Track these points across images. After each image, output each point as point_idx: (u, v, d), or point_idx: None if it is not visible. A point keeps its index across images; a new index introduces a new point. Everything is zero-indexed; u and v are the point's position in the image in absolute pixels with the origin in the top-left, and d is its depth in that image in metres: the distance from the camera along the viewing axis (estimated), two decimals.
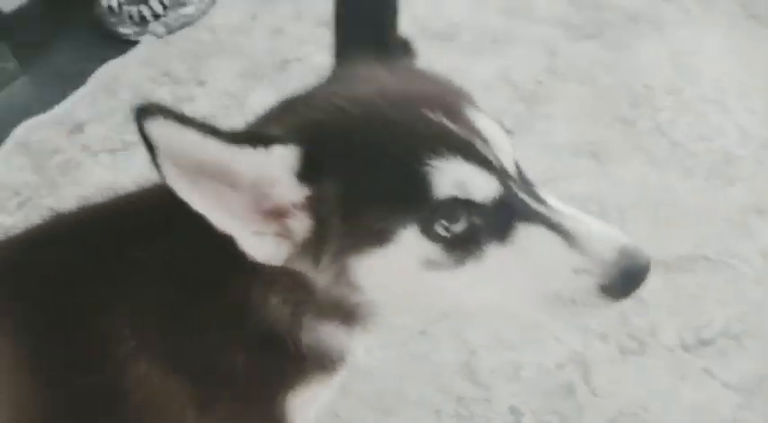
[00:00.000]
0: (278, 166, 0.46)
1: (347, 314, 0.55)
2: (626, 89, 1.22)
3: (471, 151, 0.47)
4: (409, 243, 0.47)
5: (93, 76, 1.41)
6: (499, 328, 0.93)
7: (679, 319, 0.92)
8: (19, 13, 1.46)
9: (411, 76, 0.55)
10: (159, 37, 1.47)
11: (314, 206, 0.48)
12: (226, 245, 0.47)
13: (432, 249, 0.47)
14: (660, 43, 1.31)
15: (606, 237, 0.48)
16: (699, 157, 1.11)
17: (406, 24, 0.56)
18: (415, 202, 0.46)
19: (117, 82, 1.39)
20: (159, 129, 0.42)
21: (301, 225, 0.48)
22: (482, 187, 0.47)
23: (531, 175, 0.51)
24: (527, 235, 0.48)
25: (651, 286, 0.94)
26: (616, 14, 1.38)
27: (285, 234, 0.49)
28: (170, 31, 1.48)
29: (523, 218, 0.48)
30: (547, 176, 1.10)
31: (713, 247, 0.99)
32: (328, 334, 0.57)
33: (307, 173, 0.46)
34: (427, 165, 0.46)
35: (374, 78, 0.51)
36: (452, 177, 0.46)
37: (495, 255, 0.48)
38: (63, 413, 0.57)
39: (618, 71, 1.26)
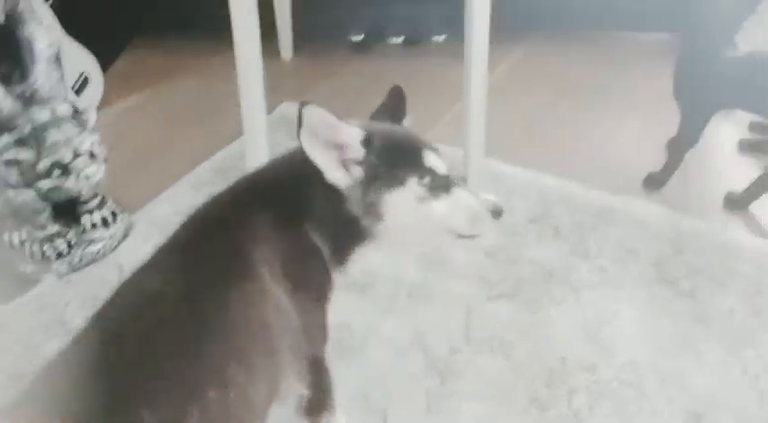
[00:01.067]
0: (356, 138, 0.85)
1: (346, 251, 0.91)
2: (541, 363, 1.18)
3: (438, 153, 0.90)
4: (412, 186, 0.86)
5: None
6: None
7: None
8: None
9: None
10: (61, 276, 1.39)
11: (366, 162, 0.86)
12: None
13: (421, 190, 0.86)
14: (574, 307, 1.29)
15: (487, 196, 0.91)
16: None
17: None
18: (415, 165, 0.87)
19: (4, 330, 1.29)
20: (309, 111, 0.80)
21: (358, 171, 0.86)
22: (440, 166, 0.88)
23: None
24: (458, 192, 0.89)
25: None
26: (532, 270, 1.38)
27: (350, 175, 0.86)
28: (74, 269, 1.41)
29: (457, 185, 0.90)
30: None
31: None
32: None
33: (366, 144, 0.86)
34: (423, 151, 0.88)
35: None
36: (431, 159, 0.88)
37: (446, 198, 0.88)
38: None
39: (533, 338, 1.23)
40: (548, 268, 1.38)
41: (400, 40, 2.12)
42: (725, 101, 1.49)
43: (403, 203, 0.86)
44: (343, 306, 1.18)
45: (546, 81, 2.12)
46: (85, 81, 1.87)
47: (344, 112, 0.86)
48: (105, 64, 2.01)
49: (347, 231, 0.88)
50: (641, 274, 1.36)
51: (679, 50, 1.50)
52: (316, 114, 0.81)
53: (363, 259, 0.93)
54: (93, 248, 1.42)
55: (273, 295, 0.81)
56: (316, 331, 0.89)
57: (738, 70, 1.41)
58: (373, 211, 0.86)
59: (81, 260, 1.41)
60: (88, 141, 1.30)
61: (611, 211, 1.53)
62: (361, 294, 1.33)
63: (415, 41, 2.13)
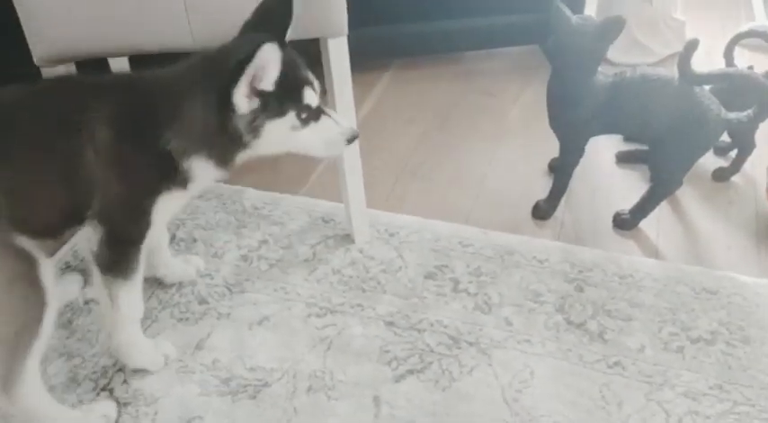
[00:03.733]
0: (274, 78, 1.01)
1: (229, 157, 1.07)
2: None
3: (314, 88, 1.07)
4: (290, 118, 1.05)
5: None
6: None
7: None
8: None
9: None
10: None
11: (263, 95, 1.01)
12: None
13: (296, 122, 1.05)
14: (488, 373, 1.20)
15: (347, 125, 1.13)
16: None
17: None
18: (296, 101, 1.05)
19: None
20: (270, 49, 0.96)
21: (255, 101, 1.01)
22: (314, 100, 1.07)
23: None
24: (324, 121, 1.10)
25: None
26: (437, 336, 1.27)
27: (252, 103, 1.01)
28: None
29: (324, 114, 1.10)
30: None
31: None
32: (198, 167, 1.06)
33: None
34: (304, 88, 1.05)
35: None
36: (309, 95, 1.05)
37: (314, 126, 1.08)
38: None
39: (452, 419, 1.13)
40: (452, 331, 1.29)
41: None
42: (598, 129, 1.46)
43: (279, 131, 1.05)
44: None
45: (415, 112, 2.02)
46: None
47: None
48: None
49: (227, 142, 1.05)
50: (547, 323, 1.30)
51: (548, 86, 1.45)
52: (273, 53, 0.96)
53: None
54: None
55: (87, 162, 0.99)
56: (124, 212, 1.06)
57: (604, 98, 1.39)
58: (255, 132, 1.03)
59: None
60: None
61: (509, 253, 1.46)
62: (254, 399, 1.17)
63: None
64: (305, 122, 1.06)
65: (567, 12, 1.36)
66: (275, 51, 0.96)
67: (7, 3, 1.12)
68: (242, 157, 1.08)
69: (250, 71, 0.96)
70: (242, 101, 0.99)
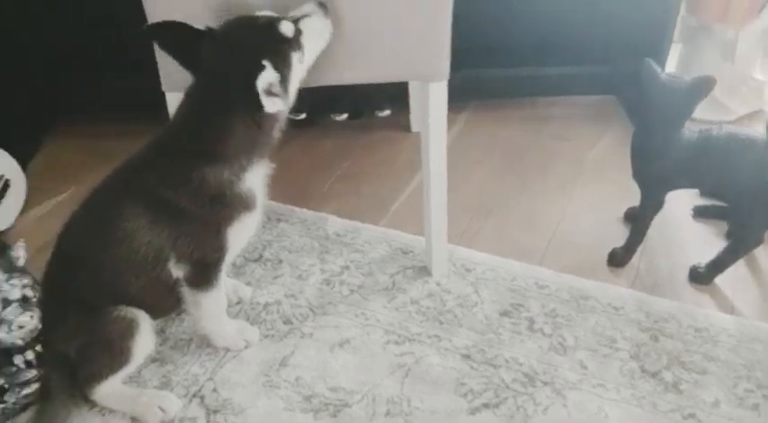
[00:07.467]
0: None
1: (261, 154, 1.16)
2: None
3: (283, 23, 1.10)
4: (296, 61, 1.11)
5: None
6: None
7: None
8: None
9: None
10: None
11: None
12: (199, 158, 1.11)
13: (297, 55, 1.12)
14: (563, 413, 1.23)
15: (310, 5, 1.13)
16: None
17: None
18: (293, 48, 1.10)
19: None
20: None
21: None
22: (289, 30, 1.09)
23: None
24: (304, 24, 1.11)
25: None
26: (512, 373, 1.31)
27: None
28: (8, 417, 1.24)
29: (298, 21, 1.11)
30: None
31: None
32: (249, 185, 1.15)
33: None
34: (278, 26, 1.09)
35: None
36: (287, 29, 1.09)
37: (306, 38, 1.12)
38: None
39: None
40: (528, 369, 1.32)
41: (344, 116, 2.05)
42: (681, 183, 1.50)
43: (296, 76, 1.12)
44: None
45: (490, 152, 2.08)
46: (6, 185, 1.71)
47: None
48: (24, 162, 1.85)
49: (273, 124, 1.13)
50: (622, 369, 1.32)
51: (633, 139, 1.50)
52: (273, 75, 1.05)
53: None
54: (30, 391, 1.26)
55: (143, 230, 1.13)
56: (201, 246, 1.17)
57: (690, 154, 1.42)
58: (286, 97, 1.10)
59: (16, 404, 1.25)
60: (19, 285, 1.15)
61: (584, 298, 1.49)
62: (335, 418, 1.23)
63: (358, 117, 2.07)
64: (300, 48, 1.10)
65: (657, 69, 1.41)
66: (273, 73, 1.04)
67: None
68: (281, 120, 1.15)
69: (261, 88, 1.03)
70: (270, 102, 1.05)
